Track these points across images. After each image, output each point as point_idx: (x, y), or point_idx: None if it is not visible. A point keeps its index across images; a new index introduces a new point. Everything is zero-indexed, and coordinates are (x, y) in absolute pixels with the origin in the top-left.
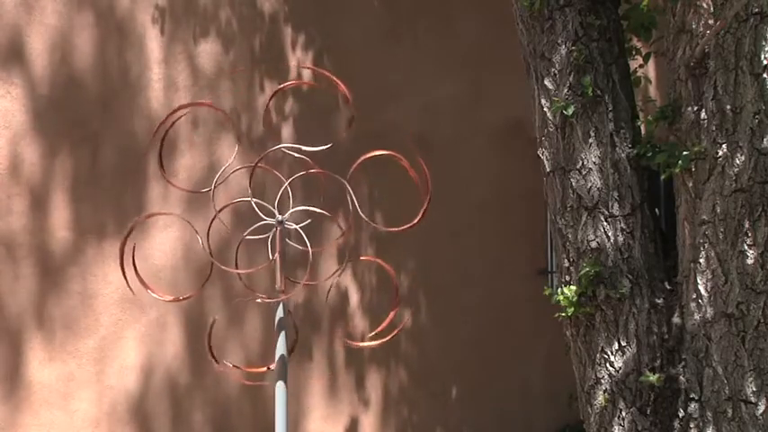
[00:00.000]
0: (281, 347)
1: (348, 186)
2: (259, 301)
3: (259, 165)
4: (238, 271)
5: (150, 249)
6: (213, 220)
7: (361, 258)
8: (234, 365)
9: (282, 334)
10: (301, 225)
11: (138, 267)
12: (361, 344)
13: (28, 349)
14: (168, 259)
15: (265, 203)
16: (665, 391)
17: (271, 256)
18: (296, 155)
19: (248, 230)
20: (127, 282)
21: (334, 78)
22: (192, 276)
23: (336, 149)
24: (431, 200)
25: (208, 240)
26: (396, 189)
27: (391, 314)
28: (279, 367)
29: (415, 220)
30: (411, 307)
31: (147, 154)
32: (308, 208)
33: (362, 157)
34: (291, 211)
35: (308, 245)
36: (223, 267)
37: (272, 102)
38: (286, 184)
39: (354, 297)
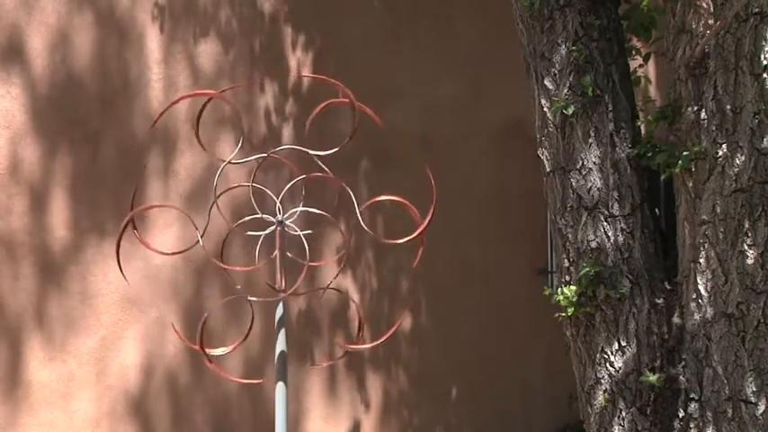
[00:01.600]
0: (280, 346)
1: (349, 190)
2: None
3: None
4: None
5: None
6: (227, 237)
7: (382, 198)
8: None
9: (282, 333)
10: (304, 232)
11: (137, 267)
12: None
13: (28, 349)
14: (168, 258)
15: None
16: (665, 391)
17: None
18: (290, 156)
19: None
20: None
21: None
22: (192, 276)
23: (337, 151)
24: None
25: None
26: (396, 189)
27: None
28: (279, 367)
29: (417, 232)
30: (411, 307)
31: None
32: (308, 210)
33: (322, 105)
34: (292, 211)
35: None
36: (251, 298)
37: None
38: (282, 193)
39: (354, 298)
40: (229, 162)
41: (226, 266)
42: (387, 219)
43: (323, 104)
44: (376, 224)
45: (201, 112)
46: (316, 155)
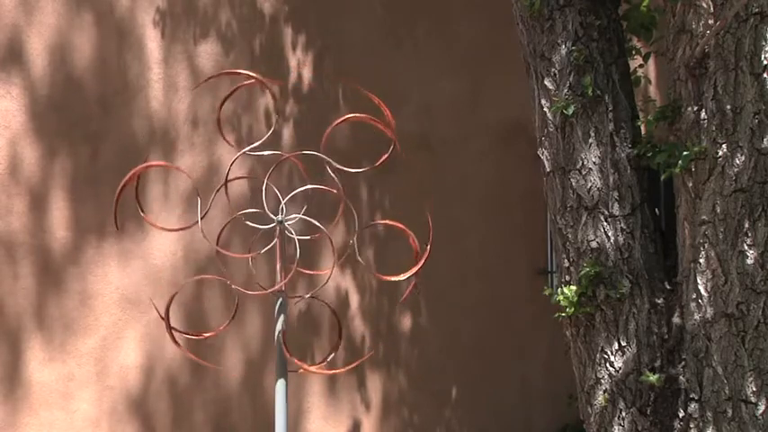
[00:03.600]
0: (280, 347)
1: (335, 176)
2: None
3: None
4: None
5: (150, 249)
6: (222, 230)
7: (378, 222)
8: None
9: (282, 334)
10: (303, 237)
11: (137, 267)
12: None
13: (27, 349)
14: (168, 259)
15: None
16: (665, 391)
17: (269, 256)
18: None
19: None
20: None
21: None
22: (192, 276)
23: (335, 150)
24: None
25: (218, 242)
26: (396, 190)
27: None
28: (279, 366)
29: (416, 268)
30: (411, 307)
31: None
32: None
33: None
34: (291, 217)
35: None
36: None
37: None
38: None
39: (354, 299)
40: (244, 153)
41: (243, 290)
42: (385, 214)
43: (343, 119)
44: (376, 231)
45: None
46: (329, 163)
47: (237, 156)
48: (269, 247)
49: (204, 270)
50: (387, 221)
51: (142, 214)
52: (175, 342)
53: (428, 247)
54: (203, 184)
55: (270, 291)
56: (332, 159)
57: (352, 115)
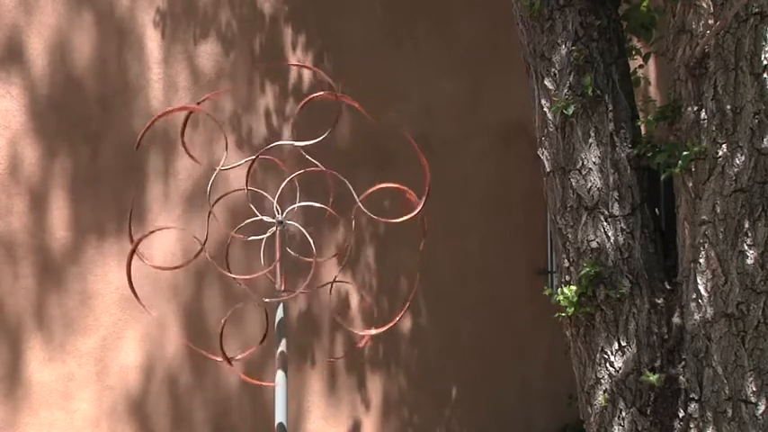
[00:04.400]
0: (280, 346)
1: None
2: (266, 300)
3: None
4: (239, 276)
5: (150, 250)
6: (230, 237)
7: (381, 186)
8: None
9: (282, 333)
10: (305, 230)
11: (137, 267)
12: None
13: (28, 349)
14: (168, 260)
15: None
16: (665, 391)
17: (269, 257)
18: (294, 156)
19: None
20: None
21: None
22: (192, 278)
23: (335, 149)
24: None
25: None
26: (396, 190)
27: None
28: (279, 367)
29: (416, 211)
30: (411, 307)
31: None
32: (309, 204)
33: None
34: (290, 208)
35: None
36: (231, 274)
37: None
38: (285, 182)
39: (354, 299)
40: (220, 169)
41: (236, 276)
42: (387, 217)
43: (308, 98)
44: (377, 231)
45: (185, 125)
46: (303, 147)
47: (253, 158)
48: (267, 235)
49: (204, 271)
50: (384, 185)
51: (134, 248)
52: (135, 293)
53: (408, 303)
54: (203, 184)
55: (263, 272)
56: (331, 159)
57: (317, 94)
